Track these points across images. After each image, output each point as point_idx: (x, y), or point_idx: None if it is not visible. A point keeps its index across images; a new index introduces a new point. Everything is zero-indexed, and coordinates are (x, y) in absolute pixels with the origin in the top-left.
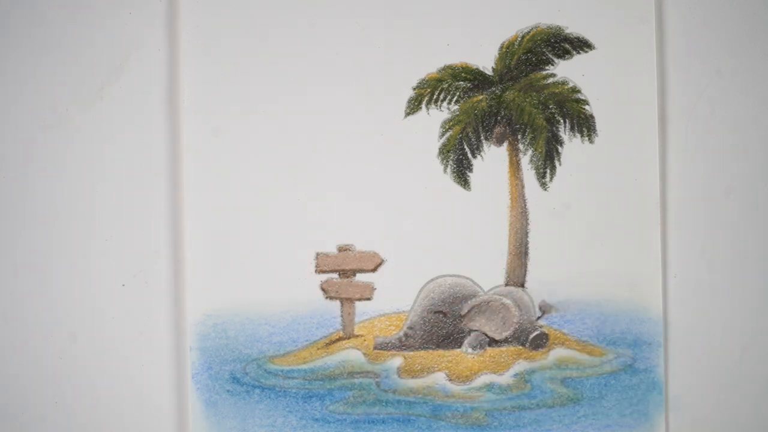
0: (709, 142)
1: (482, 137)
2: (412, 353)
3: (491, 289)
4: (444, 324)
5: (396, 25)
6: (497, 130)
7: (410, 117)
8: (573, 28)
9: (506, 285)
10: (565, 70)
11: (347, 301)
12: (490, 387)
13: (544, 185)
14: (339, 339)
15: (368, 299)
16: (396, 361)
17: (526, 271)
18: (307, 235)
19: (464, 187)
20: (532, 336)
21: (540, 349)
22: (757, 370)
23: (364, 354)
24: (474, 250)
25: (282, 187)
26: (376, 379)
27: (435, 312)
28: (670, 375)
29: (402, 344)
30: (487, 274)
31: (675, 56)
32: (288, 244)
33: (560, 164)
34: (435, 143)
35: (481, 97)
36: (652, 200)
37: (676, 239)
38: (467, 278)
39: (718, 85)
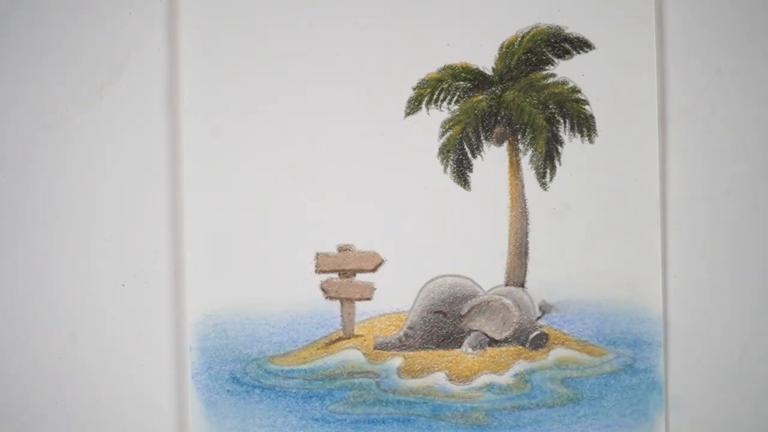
0: (709, 142)
1: (482, 137)
2: (412, 353)
3: (491, 289)
4: (444, 324)
5: (396, 25)
6: (497, 130)
7: (410, 117)
8: (573, 28)
9: (506, 285)
10: (565, 70)
11: (347, 301)
12: (490, 387)
13: (544, 185)
14: (339, 339)
15: (368, 299)
16: (396, 361)
17: (526, 271)
18: (307, 235)
19: (464, 187)
20: (532, 336)
21: (540, 349)
22: (757, 370)
23: (364, 354)
24: (474, 250)
25: (282, 187)
26: (376, 379)
27: (435, 312)
28: (670, 375)
29: (402, 344)
30: (487, 274)
31: (675, 56)
32: (288, 244)
33: (560, 164)
34: (435, 143)
35: (481, 97)
36: (652, 200)
37: (676, 239)
38: (467, 278)
39: (718, 85)
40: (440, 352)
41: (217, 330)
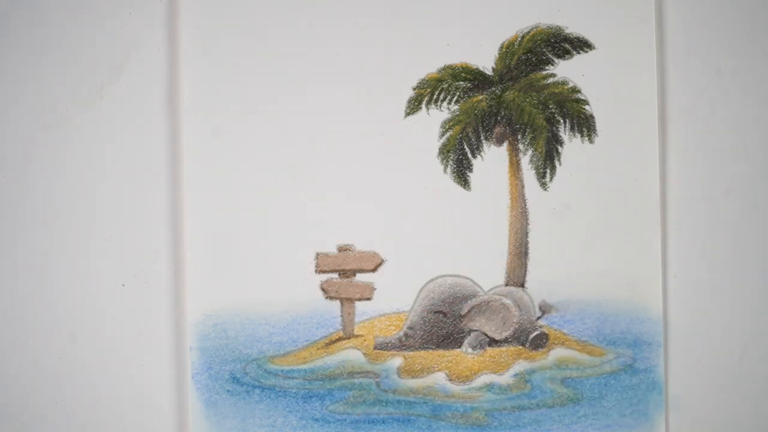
0: (709, 142)
1: (482, 137)
2: (412, 353)
3: (491, 289)
4: (444, 324)
5: (396, 25)
6: (497, 130)
7: (410, 117)
8: (573, 28)
9: (506, 285)
10: (565, 70)
11: (347, 301)
12: (490, 387)
13: (544, 185)
14: (339, 339)
15: (368, 299)
16: (396, 361)
17: (526, 271)
18: (307, 235)
19: (464, 187)
20: (532, 336)
21: (540, 349)
22: (757, 370)
23: (364, 354)
24: (474, 250)
25: (282, 187)
26: (376, 379)
27: (435, 312)
28: (670, 375)
29: (402, 344)
30: (487, 274)
31: (675, 56)
32: (288, 244)
33: (560, 164)
34: (435, 143)
35: (481, 97)
36: (652, 200)
37: (676, 239)
38: (467, 278)
39: (718, 85)
40: (440, 352)
41: (217, 330)
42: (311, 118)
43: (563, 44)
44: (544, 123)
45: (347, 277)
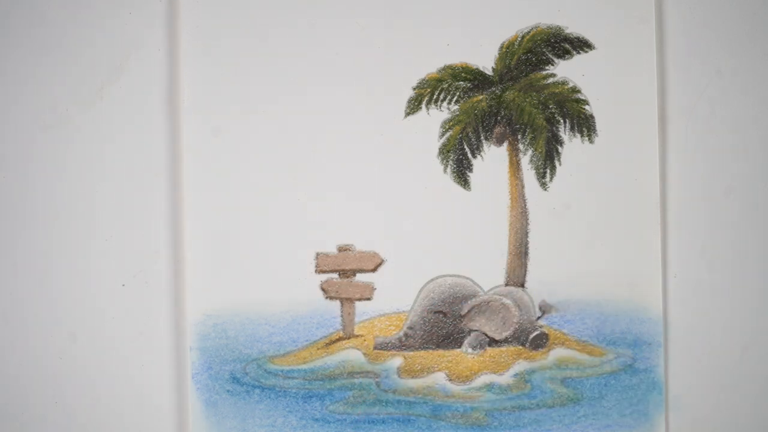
0: (709, 142)
1: (482, 137)
2: (412, 353)
3: (491, 289)
4: (444, 324)
5: (396, 25)
6: (497, 130)
7: (410, 117)
8: (573, 28)
9: (506, 285)
10: (565, 70)
11: (347, 301)
12: (490, 387)
13: (544, 185)
14: (339, 339)
15: (368, 299)
16: (396, 361)
17: (526, 271)
18: (307, 235)
19: (464, 187)
20: (532, 336)
21: (540, 349)
22: (757, 370)
23: (364, 354)
24: (474, 250)
25: (282, 187)
26: (376, 379)
27: (435, 312)
28: (670, 375)
29: (402, 344)
30: (487, 274)
31: (675, 56)
32: (288, 244)
33: (560, 164)
34: (435, 143)
35: (481, 97)
36: (652, 200)
37: (676, 239)
38: (467, 278)
39: (718, 85)
40: (440, 352)
41: (217, 330)
42: (311, 118)
43: (563, 44)
44: (544, 123)
45: (347, 277)
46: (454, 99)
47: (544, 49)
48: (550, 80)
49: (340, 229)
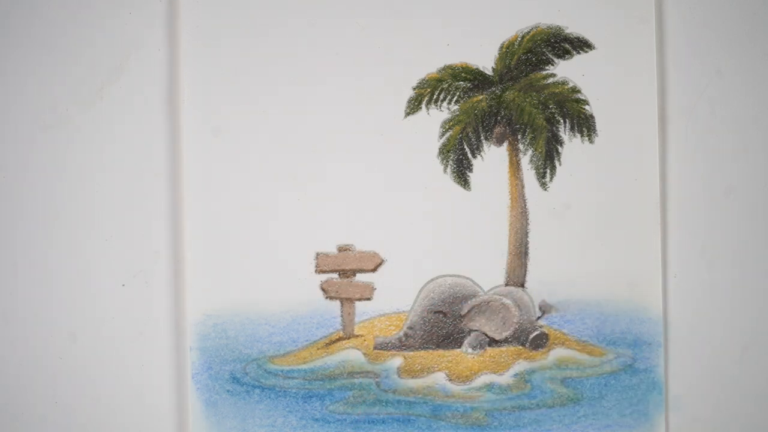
0: (709, 142)
1: (482, 137)
2: (412, 353)
3: (491, 289)
4: (444, 324)
5: (396, 25)
6: (497, 130)
7: (410, 117)
8: (573, 28)
9: (506, 285)
10: (565, 70)
11: (347, 301)
12: (490, 387)
13: (544, 185)
14: (339, 339)
15: (368, 299)
16: (396, 361)
17: (526, 271)
18: (307, 235)
19: (464, 187)
20: (532, 336)
21: (540, 349)
22: (757, 370)
23: (364, 354)
24: (474, 250)
25: (282, 187)
26: (376, 379)
27: (435, 312)
28: (670, 375)
29: (402, 344)
30: (487, 274)
31: (675, 56)
32: (288, 244)
33: (560, 164)
34: (435, 143)
35: (481, 97)
36: (652, 200)
37: (676, 239)
38: (467, 278)
39: (718, 85)
40: (440, 352)
41: (217, 330)
42: (311, 118)
43: (563, 44)
44: (544, 123)
45: (347, 277)
46: (454, 99)
47: (544, 49)
48: (550, 80)
49: (340, 229)
